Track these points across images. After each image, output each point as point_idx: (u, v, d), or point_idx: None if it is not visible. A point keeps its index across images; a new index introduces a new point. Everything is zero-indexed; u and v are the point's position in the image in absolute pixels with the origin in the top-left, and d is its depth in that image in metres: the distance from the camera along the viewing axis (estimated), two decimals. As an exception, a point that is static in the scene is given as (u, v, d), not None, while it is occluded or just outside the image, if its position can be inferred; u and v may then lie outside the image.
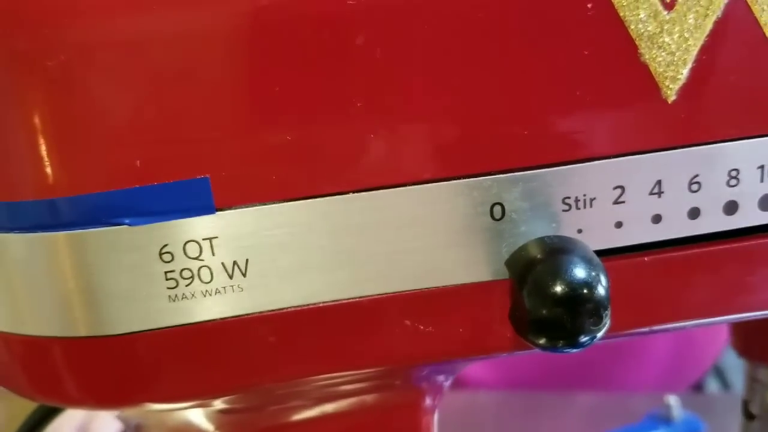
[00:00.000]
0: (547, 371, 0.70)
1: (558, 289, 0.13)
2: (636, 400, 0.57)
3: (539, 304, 0.13)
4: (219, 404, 0.16)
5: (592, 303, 0.13)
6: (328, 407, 0.17)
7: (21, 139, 0.14)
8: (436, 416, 0.18)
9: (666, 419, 0.40)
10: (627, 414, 0.48)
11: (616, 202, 0.15)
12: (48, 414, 0.22)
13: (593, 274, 0.13)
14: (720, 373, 0.87)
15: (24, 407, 0.22)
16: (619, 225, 0.15)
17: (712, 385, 0.79)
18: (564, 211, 0.14)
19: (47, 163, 0.14)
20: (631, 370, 0.72)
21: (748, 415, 0.23)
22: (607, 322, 0.13)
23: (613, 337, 0.16)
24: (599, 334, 0.13)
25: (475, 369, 0.65)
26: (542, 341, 0.13)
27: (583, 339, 0.13)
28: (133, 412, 0.17)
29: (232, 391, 0.15)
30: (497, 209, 0.14)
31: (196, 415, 0.17)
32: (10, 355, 0.16)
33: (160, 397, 0.15)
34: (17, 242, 0.14)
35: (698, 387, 0.74)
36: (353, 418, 0.17)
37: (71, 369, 0.15)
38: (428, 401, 0.17)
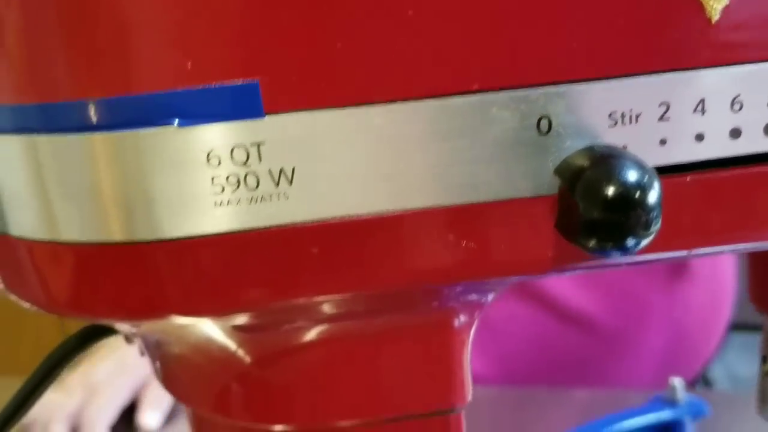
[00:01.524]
0: (542, 367, 0.70)
1: (612, 190, 0.13)
2: (631, 394, 0.57)
3: (592, 205, 0.13)
4: (246, 321, 0.16)
5: (644, 206, 0.13)
6: (358, 326, 0.17)
7: (64, 36, 0.14)
8: (468, 345, 0.18)
9: (671, 401, 0.40)
10: (622, 408, 0.48)
11: (661, 119, 0.15)
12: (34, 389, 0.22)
13: (647, 178, 0.13)
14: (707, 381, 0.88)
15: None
16: (663, 142, 0.15)
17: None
18: (610, 126, 0.15)
19: (93, 63, 0.14)
20: (626, 367, 0.72)
21: (765, 372, 0.23)
22: (655, 229, 0.13)
23: (647, 259, 0.16)
24: (646, 240, 0.13)
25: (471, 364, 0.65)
26: (592, 243, 0.13)
27: (631, 242, 0.13)
28: (155, 327, 0.17)
29: (271, 304, 0.15)
30: (544, 123, 0.14)
31: (218, 332, 0.17)
32: (37, 263, 0.16)
33: (194, 310, 0.15)
34: (53, 144, 0.14)
35: (692, 384, 0.74)
36: (385, 338, 0.17)
37: (104, 277, 0.15)
38: (462, 326, 0.17)
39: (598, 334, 0.70)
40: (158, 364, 0.19)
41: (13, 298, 0.17)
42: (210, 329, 0.17)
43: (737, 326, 0.80)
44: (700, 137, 0.15)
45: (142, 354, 0.21)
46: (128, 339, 0.21)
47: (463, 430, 0.19)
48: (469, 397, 0.18)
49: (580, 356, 0.70)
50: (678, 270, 0.71)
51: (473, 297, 0.17)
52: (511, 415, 0.62)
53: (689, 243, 0.16)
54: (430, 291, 0.16)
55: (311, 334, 0.17)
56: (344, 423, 0.18)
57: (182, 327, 0.16)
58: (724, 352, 0.80)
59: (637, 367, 0.71)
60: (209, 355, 0.17)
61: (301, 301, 0.15)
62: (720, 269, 0.76)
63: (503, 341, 0.72)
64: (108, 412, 0.61)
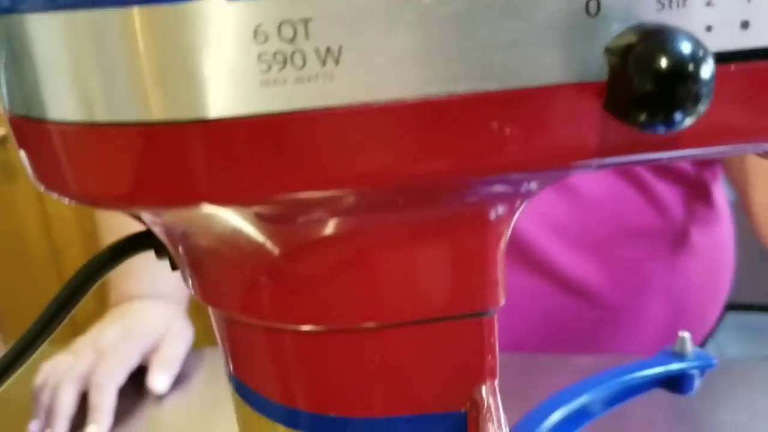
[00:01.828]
0: (545, 338, 0.70)
1: (667, 60, 0.13)
2: (632, 360, 0.58)
3: (645, 76, 0.13)
4: (280, 211, 0.16)
5: (697, 78, 0.13)
6: (390, 221, 0.17)
7: None
8: (503, 246, 0.18)
9: (680, 354, 0.40)
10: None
11: (707, 4, 0.15)
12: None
13: (701, 52, 0.13)
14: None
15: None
16: (708, 29, 0.15)
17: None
18: (657, 10, 0.15)
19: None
20: (627, 338, 0.72)
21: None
22: (703, 107, 0.13)
23: (684, 154, 0.16)
24: (692, 119, 0.13)
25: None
26: (642, 117, 0.13)
27: (678, 116, 0.13)
28: (187, 217, 0.17)
29: (313, 190, 0.15)
30: (593, 4, 0.14)
31: (248, 224, 0.17)
32: (70, 147, 0.15)
33: (229, 196, 0.15)
34: (91, 20, 0.14)
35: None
36: (418, 234, 0.17)
37: (140, 159, 0.15)
38: (497, 225, 0.17)
39: (599, 305, 0.70)
40: (188, 270, 0.19)
41: (41, 188, 0.17)
42: (240, 220, 0.16)
43: (729, 306, 0.81)
44: (745, 25, 0.15)
45: (174, 269, 0.21)
46: (158, 253, 0.21)
47: (495, 335, 0.19)
48: (503, 300, 0.18)
49: (581, 327, 0.70)
50: (679, 242, 0.72)
51: (510, 192, 0.17)
52: (513, 380, 0.62)
53: (730, 135, 0.16)
54: (470, 182, 0.16)
55: (343, 228, 0.17)
56: (373, 324, 0.18)
57: (212, 217, 0.16)
58: (716, 331, 0.80)
59: (638, 339, 0.71)
60: (239, 248, 0.17)
61: (342, 190, 0.15)
62: (720, 243, 0.77)
63: (506, 312, 0.72)
64: (117, 374, 0.61)
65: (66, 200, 0.17)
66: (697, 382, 0.40)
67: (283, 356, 0.19)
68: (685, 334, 0.40)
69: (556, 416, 0.37)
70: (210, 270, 0.19)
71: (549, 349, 0.69)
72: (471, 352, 0.18)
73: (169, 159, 0.15)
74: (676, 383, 0.40)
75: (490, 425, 0.18)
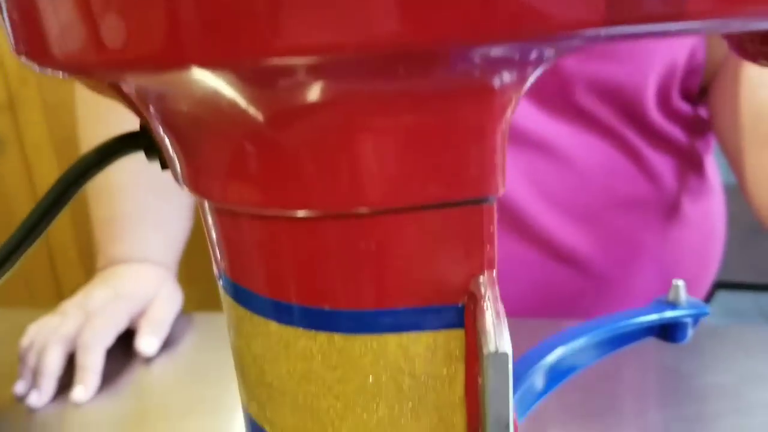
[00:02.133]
0: (536, 306, 0.70)
1: None
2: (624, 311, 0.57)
3: None
4: (277, 74, 0.15)
5: None
6: (384, 93, 0.16)
7: None
8: (505, 129, 0.17)
9: (673, 303, 0.40)
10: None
11: None
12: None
13: None
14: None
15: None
16: None
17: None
18: None
19: None
20: (616, 307, 0.72)
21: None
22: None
23: (694, 27, 0.15)
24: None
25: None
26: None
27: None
28: (172, 79, 0.16)
29: (314, 53, 0.14)
30: None
31: (227, 87, 0.16)
32: (49, 7, 0.15)
33: (222, 57, 0.14)
34: None
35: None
36: (415, 108, 0.16)
37: (126, 20, 0.14)
38: (498, 103, 0.17)
39: (590, 275, 0.70)
40: (178, 157, 0.19)
41: (23, 60, 0.16)
42: (230, 86, 0.16)
43: (717, 285, 0.81)
44: None
45: (164, 168, 0.21)
46: (148, 153, 0.21)
47: (494, 225, 0.18)
48: (503, 189, 0.18)
49: (572, 296, 0.70)
50: (670, 212, 0.72)
51: (512, 68, 0.16)
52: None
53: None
54: (474, 50, 0.15)
55: (334, 96, 0.16)
56: (366, 209, 0.17)
57: (201, 82, 0.15)
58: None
59: (628, 308, 0.71)
60: (227, 119, 0.16)
61: (345, 51, 0.15)
62: (711, 215, 0.77)
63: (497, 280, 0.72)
64: (105, 335, 0.61)
65: (48, 71, 0.16)
66: (690, 332, 0.40)
67: (275, 247, 0.18)
68: (679, 282, 0.40)
69: (550, 358, 0.37)
70: (199, 152, 0.18)
71: (540, 318, 0.68)
72: (469, 241, 0.18)
73: (156, 19, 0.14)
74: (669, 331, 0.40)
75: (488, 316, 0.18)
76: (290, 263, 0.18)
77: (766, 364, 0.59)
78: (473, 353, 0.18)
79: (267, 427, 0.21)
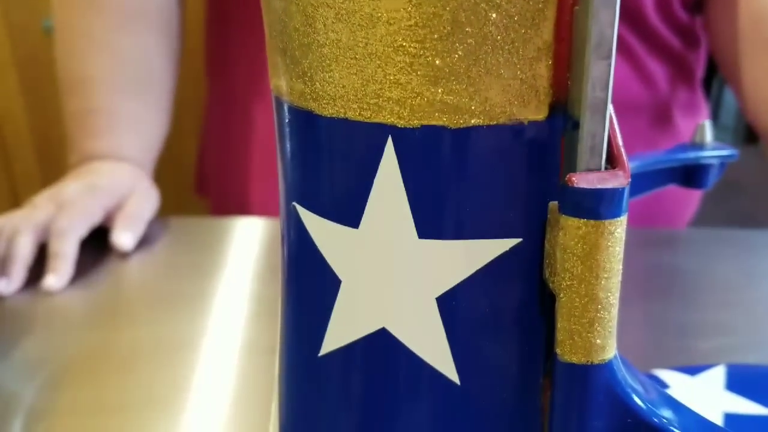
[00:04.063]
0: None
1: None
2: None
3: None
4: None
5: None
6: None
7: None
8: None
9: (699, 145, 0.38)
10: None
11: None
12: None
13: None
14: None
15: None
16: None
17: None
18: None
19: None
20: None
21: None
22: None
23: None
24: None
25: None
26: None
27: None
28: None
29: None
30: None
31: None
32: None
33: None
34: None
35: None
36: None
37: None
38: None
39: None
40: None
41: None
42: None
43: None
44: None
45: None
46: None
47: None
48: None
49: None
50: (661, 119, 0.70)
51: None
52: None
53: None
54: None
55: None
56: None
57: None
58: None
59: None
60: None
61: None
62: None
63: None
64: (78, 224, 0.57)
65: None
66: (714, 177, 0.38)
67: None
68: (706, 122, 0.38)
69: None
70: None
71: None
72: None
73: None
74: (692, 176, 0.38)
75: None
76: None
77: None
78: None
79: (314, 106, 0.18)
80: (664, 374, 0.39)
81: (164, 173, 0.72)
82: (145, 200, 0.62)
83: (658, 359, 0.46)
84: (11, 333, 0.50)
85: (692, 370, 0.40)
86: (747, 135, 2.16)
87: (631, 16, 0.64)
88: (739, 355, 0.46)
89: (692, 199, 0.76)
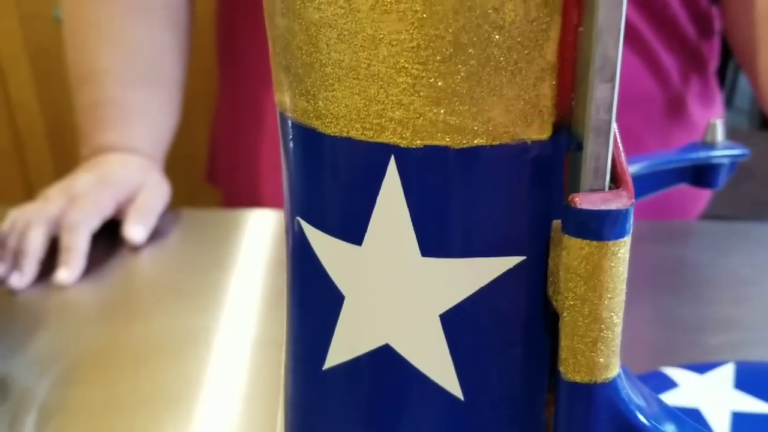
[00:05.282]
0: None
1: None
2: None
3: None
4: None
5: None
6: None
7: None
8: None
9: (709, 144, 0.37)
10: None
11: None
12: None
13: None
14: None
15: None
16: None
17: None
18: None
19: None
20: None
21: None
22: None
23: None
24: None
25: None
26: None
27: None
28: None
29: None
30: None
31: None
32: None
33: None
34: None
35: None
36: None
37: None
38: None
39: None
40: None
41: None
42: None
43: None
44: None
45: None
46: None
47: None
48: None
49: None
50: (674, 111, 0.70)
51: None
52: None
53: None
54: None
55: None
56: None
57: None
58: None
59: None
60: None
61: None
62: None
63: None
64: (90, 217, 0.58)
65: None
66: (725, 177, 0.38)
67: None
68: (717, 121, 0.37)
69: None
70: None
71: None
72: None
73: None
74: (703, 176, 0.38)
75: None
76: None
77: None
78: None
79: (317, 123, 0.18)
80: (673, 372, 0.39)
81: (175, 165, 0.73)
82: (156, 193, 0.62)
83: (668, 355, 0.46)
84: (24, 327, 0.50)
85: (701, 368, 0.40)
86: (762, 120, 2.14)
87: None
88: (749, 351, 0.46)
89: (704, 189, 0.76)
